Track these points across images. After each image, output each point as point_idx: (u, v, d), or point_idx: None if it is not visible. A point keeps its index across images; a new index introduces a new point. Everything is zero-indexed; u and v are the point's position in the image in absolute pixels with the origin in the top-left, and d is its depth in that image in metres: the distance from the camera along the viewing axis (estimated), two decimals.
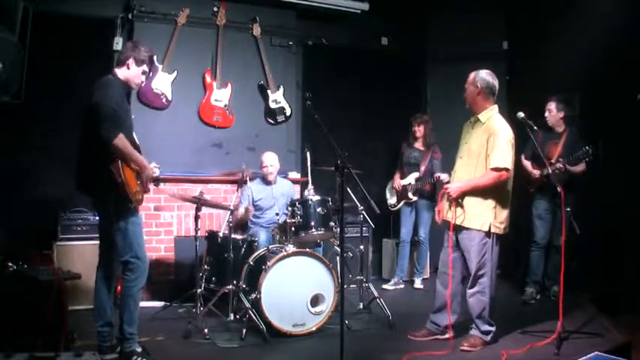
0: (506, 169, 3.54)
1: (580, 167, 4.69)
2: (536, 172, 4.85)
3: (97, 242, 3.48)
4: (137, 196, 3.21)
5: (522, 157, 4.91)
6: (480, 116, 3.69)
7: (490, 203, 3.59)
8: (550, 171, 4.41)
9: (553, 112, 4.87)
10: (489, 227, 3.58)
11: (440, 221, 3.87)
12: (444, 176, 5.12)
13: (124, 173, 3.10)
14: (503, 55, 6.37)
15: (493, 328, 3.68)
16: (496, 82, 3.70)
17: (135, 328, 3.30)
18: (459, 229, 3.67)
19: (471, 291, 3.67)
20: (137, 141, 3.33)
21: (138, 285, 3.29)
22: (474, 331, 3.69)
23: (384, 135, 6.33)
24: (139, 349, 3.28)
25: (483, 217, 3.59)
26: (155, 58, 3.70)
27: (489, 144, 3.57)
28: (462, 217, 3.62)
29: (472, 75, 3.72)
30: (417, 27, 6.59)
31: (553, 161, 4.66)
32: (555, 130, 4.90)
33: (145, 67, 3.35)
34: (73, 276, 3.71)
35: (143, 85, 4.34)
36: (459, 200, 3.63)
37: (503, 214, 3.64)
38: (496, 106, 3.71)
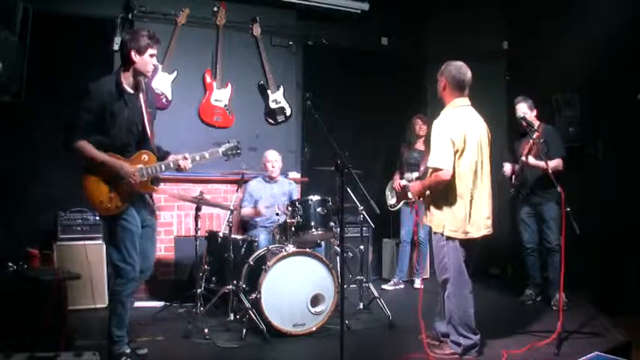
0: (440, 169, 3.26)
1: (551, 163, 4.20)
2: (507, 172, 4.76)
3: (97, 242, 3.47)
4: (104, 205, 3.08)
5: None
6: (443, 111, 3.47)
7: (442, 205, 3.38)
8: (516, 169, 4.34)
9: (527, 114, 4.63)
10: (443, 229, 3.38)
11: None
12: (408, 176, 5.26)
13: (85, 182, 3.08)
14: (503, 55, 6.38)
15: (463, 342, 3.37)
16: (463, 76, 3.36)
17: (124, 331, 3.22)
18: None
19: (444, 294, 3.51)
20: (130, 140, 3.24)
21: (126, 291, 3.18)
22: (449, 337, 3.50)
23: (384, 135, 6.32)
24: (128, 351, 3.22)
25: (438, 218, 3.41)
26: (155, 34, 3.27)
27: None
28: (428, 216, 3.53)
29: (442, 68, 3.46)
30: (416, 27, 6.60)
31: (524, 159, 4.52)
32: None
33: (150, 51, 3.17)
34: (73, 276, 3.71)
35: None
36: (421, 199, 3.55)
37: (458, 217, 3.33)
38: (459, 100, 3.39)
